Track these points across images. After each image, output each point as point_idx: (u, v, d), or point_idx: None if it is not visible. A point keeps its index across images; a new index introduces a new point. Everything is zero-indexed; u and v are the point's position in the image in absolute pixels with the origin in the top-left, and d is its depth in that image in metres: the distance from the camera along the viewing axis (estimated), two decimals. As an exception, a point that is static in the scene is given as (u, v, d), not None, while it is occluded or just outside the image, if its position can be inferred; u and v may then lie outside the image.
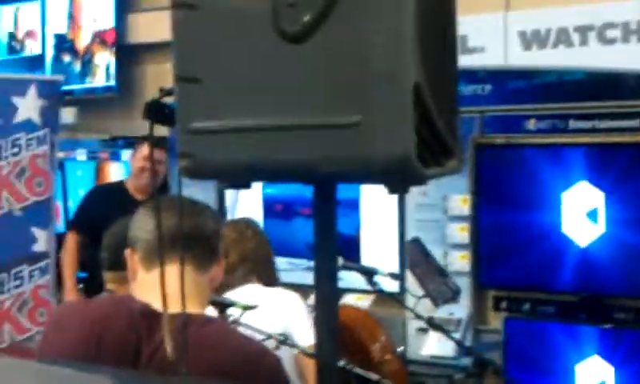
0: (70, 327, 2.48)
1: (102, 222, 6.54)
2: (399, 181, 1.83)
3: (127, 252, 2.58)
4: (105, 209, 6.47)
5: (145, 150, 6.53)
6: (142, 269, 2.53)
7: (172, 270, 2.19)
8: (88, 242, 6.76)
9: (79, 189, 7.52)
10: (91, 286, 6.62)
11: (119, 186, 6.78)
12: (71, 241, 6.61)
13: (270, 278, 4.24)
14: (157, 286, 2.33)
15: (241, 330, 3.05)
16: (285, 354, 3.55)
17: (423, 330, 5.94)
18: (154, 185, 6.39)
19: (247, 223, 4.39)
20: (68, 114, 7.36)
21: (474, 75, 5.81)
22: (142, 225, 2.55)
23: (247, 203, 6.87)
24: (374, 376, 3.83)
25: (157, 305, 2.37)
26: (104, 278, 3.52)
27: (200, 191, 6.43)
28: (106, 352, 2.37)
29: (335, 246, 2.01)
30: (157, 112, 2.01)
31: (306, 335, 3.91)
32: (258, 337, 3.99)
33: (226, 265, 3.73)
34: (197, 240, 2.50)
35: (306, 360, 3.94)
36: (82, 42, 8.24)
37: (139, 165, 6.56)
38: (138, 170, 6.56)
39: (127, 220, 2.70)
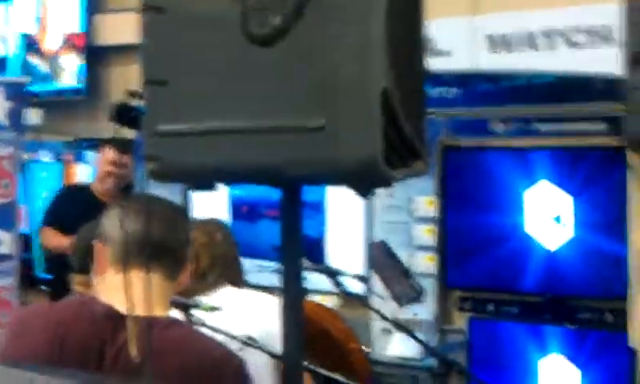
0: (33, 330, 2.48)
1: (70, 222, 6.53)
2: (366, 183, 1.84)
3: (97, 245, 2.56)
4: (72, 209, 6.45)
5: (110, 154, 6.50)
6: (112, 268, 2.51)
7: (140, 274, 2.19)
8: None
9: (44, 190, 7.48)
10: (57, 287, 6.59)
11: (86, 189, 6.76)
12: (48, 230, 6.57)
13: (237, 281, 4.23)
14: (123, 289, 2.34)
15: (206, 331, 3.04)
16: (262, 358, 3.56)
17: (388, 331, 5.96)
18: (118, 187, 6.38)
19: (217, 225, 4.37)
20: (34, 116, 7.31)
21: (442, 78, 5.84)
22: (115, 223, 2.51)
23: (213, 204, 6.86)
24: (340, 378, 3.83)
25: (121, 307, 2.37)
26: (71, 280, 3.51)
27: (166, 193, 6.43)
28: (69, 354, 2.36)
29: (301, 248, 2.02)
30: (124, 115, 2.01)
31: None
32: (221, 338, 3.99)
33: (197, 269, 3.74)
34: (166, 251, 2.48)
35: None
36: (49, 43, 8.19)
37: (105, 169, 6.54)
38: (104, 174, 6.54)
39: (95, 223, 2.69)
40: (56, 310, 2.59)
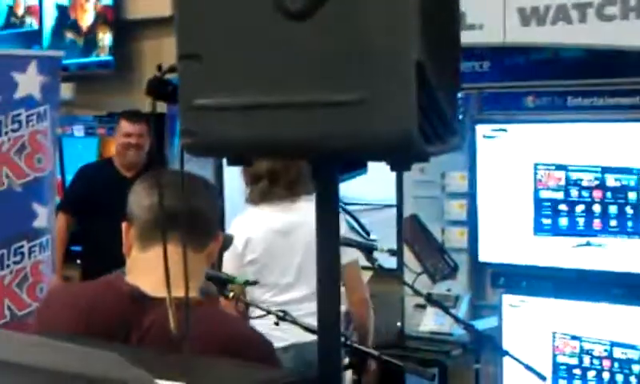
0: (62, 307, 2.46)
1: (93, 200, 6.55)
2: (401, 158, 1.83)
3: (124, 225, 2.53)
4: (94, 187, 6.49)
5: (125, 126, 6.53)
6: (137, 247, 2.48)
7: (168, 249, 2.18)
8: (77, 222, 6.78)
9: (78, 164, 7.53)
10: (88, 259, 6.64)
11: (107, 164, 6.79)
12: (60, 221, 6.65)
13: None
14: (150, 267, 2.35)
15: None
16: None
17: (421, 307, 5.96)
18: (139, 158, 6.39)
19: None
20: (66, 90, 7.34)
21: (472, 52, 5.81)
22: (138, 200, 2.48)
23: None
24: (373, 352, 3.84)
25: (147, 287, 2.36)
26: None
27: (197, 167, 6.45)
28: (94, 335, 2.32)
29: (337, 223, 2.01)
30: (159, 89, 2.02)
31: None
32: (258, 312, 4.01)
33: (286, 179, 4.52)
34: (193, 219, 2.41)
35: (352, 271, 4.62)
36: (82, 17, 8.20)
37: (120, 141, 6.57)
38: (121, 147, 6.58)
39: None
40: (85, 290, 2.59)
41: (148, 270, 2.39)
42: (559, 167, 5.68)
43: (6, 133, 6.16)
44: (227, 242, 3.43)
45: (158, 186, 2.28)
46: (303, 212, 4.48)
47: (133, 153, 6.45)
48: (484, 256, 6.03)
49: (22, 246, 6.19)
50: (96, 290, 2.50)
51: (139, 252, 2.47)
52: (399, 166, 1.86)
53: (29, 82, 6.23)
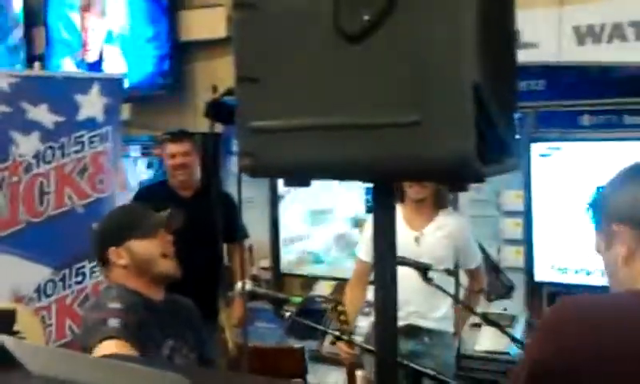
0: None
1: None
2: (458, 179, 1.84)
3: (616, 227, 2.23)
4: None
5: (170, 148, 6.53)
6: None
7: None
8: None
9: (134, 184, 7.60)
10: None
11: (164, 185, 6.83)
12: None
13: None
14: None
15: None
16: None
17: (477, 326, 5.94)
18: (191, 176, 6.41)
19: None
20: (124, 111, 7.43)
21: (528, 70, 5.79)
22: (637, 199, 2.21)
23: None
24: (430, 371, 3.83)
25: None
26: None
27: (252, 187, 6.49)
28: None
29: (394, 243, 2.02)
30: (217, 111, 2.04)
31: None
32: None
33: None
34: None
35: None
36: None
37: (169, 163, 6.59)
38: (170, 169, 6.59)
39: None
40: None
41: None
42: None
43: (69, 154, 6.24)
44: None
45: None
46: None
47: (182, 172, 6.47)
48: (540, 275, 5.99)
49: (83, 267, 6.26)
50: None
51: None
52: (456, 186, 1.87)
53: (91, 104, 6.32)
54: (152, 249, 3.48)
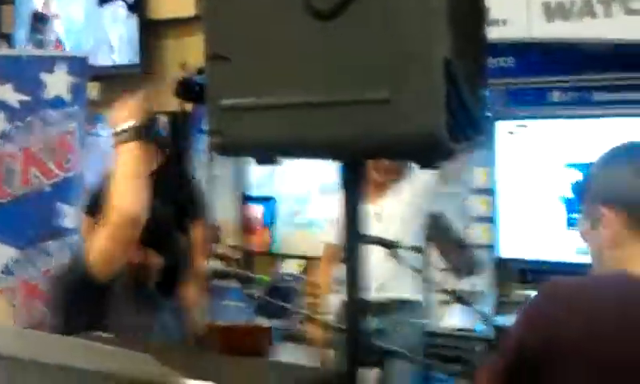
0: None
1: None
2: (429, 156, 1.84)
3: (603, 209, 2.19)
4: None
5: None
6: (634, 235, 2.15)
7: None
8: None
9: (102, 164, 7.55)
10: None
11: None
12: (85, 224, 6.61)
13: None
14: None
15: None
16: None
17: (445, 303, 5.95)
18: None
19: None
20: (92, 90, 7.37)
21: (497, 48, 5.79)
22: (632, 182, 2.16)
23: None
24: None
25: None
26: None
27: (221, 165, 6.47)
28: None
29: (361, 222, 2.02)
30: (187, 90, 2.03)
31: None
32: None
33: None
34: None
35: None
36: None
37: None
38: None
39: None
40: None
41: None
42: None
43: (36, 134, 6.20)
44: None
45: None
46: None
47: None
48: (506, 252, 6.02)
49: (49, 246, 6.23)
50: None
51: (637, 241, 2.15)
52: (426, 163, 1.87)
53: (57, 83, 6.27)
54: None
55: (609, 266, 2.20)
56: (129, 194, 2.98)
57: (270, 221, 7.48)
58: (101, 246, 3.10)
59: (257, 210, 7.53)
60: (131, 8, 8.01)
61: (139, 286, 3.52)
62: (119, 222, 3.03)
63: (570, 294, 2.11)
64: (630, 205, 2.13)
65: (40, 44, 8.28)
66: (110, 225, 3.04)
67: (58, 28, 8.45)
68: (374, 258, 4.44)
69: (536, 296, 2.17)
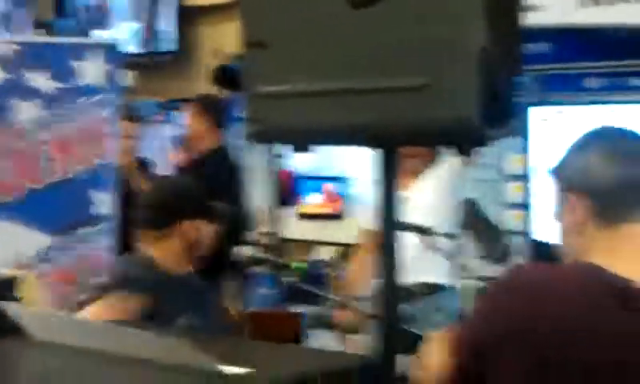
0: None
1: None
2: (462, 142, 1.84)
3: (571, 198, 2.12)
4: None
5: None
6: (598, 224, 2.08)
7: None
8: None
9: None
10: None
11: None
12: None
13: None
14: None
15: None
16: None
17: (481, 290, 5.94)
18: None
19: None
20: (128, 77, 7.40)
21: (532, 33, 5.76)
22: (598, 169, 2.07)
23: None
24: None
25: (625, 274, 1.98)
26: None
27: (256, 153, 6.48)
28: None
29: (396, 207, 2.03)
30: (224, 76, 2.04)
31: None
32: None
33: None
34: None
35: None
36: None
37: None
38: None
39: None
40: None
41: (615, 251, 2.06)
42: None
43: (70, 121, 6.22)
44: None
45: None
46: None
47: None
48: (540, 239, 6.00)
49: (84, 233, 6.26)
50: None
51: (599, 230, 2.09)
52: (460, 149, 1.87)
53: (92, 70, 6.29)
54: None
55: (572, 254, 2.16)
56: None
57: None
58: None
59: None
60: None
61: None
62: None
63: (532, 285, 2.04)
64: (595, 192, 2.07)
65: (83, 33, 8.35)
66: None
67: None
68: (408, 244, 4.44)
69: (494, 285, 2.11)
